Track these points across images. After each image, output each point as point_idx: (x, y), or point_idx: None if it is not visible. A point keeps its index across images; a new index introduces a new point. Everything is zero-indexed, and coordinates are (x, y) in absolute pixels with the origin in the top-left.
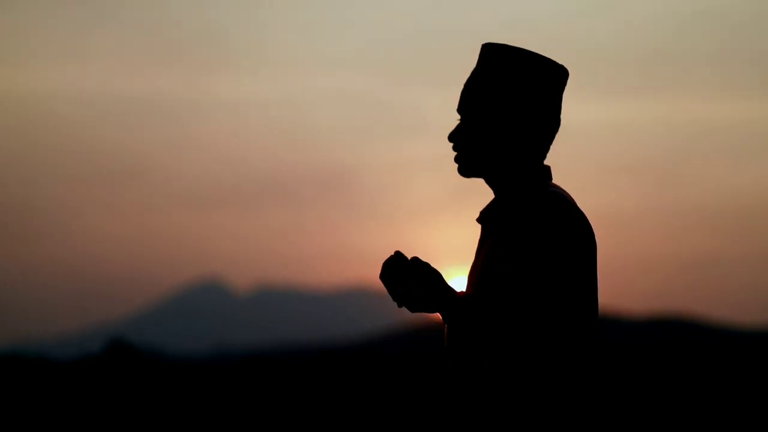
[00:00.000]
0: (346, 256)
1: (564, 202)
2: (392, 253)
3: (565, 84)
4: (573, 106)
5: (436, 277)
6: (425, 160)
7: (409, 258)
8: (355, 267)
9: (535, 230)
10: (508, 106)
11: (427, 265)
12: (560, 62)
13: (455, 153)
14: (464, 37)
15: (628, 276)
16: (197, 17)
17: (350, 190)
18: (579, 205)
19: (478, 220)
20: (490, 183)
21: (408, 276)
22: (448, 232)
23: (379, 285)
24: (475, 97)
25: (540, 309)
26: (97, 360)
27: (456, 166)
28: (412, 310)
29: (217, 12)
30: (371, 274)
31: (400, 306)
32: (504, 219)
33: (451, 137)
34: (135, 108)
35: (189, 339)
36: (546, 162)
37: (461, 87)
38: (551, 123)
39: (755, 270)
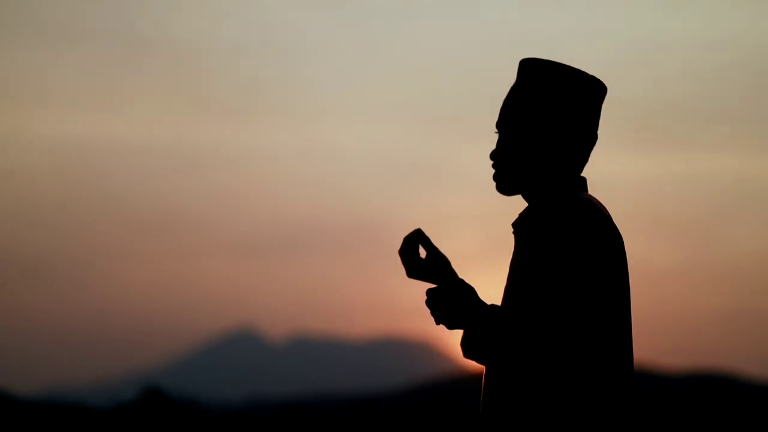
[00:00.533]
0: (381, 306)
1: (592, 209)
2: (414, 230)
3: (603, 98)
4: (609, 159)
5: (467, 294)
6: (459, 212)
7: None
8: (389, 318)
9: (564, 237)
10: (547, 122)
11: (459, 284)
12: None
13: (495, 170)
14: (499, 92)
15: (664, 332)
16: (231, 68)
17: (384, 241)
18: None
19: (514, 225)
20: (528, 199)
21: (443, 297)
22: (482, 283)
23: (413, 336)
24: (514, 112)
25: (570, 318)
26: (133, 408)
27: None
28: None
29: (250, 63)
30: (408, 325)
31: (435, 319)
32: (536, 227)
33: (492, 155)
34: (171, 159)
35: (223, 388)
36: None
37: (494, 141)
38: (589, 137)
39: None
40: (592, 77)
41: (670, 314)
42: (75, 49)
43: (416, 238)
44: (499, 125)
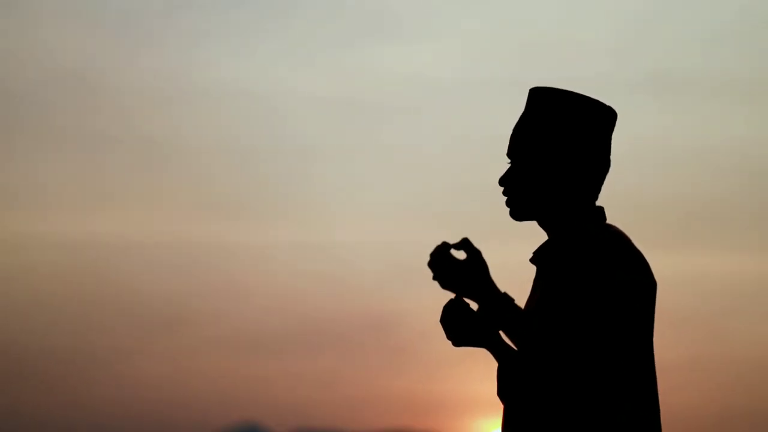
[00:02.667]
0: (387, 401)
1: (622, 241)
2: (439, 244)
3: (614, 125)
4: None
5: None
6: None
7: (455, 249)
8: (397, 413)
9: (592, 270)
10: (558, 149)
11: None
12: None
13: (506, 198)
14: (499, 190)
15: (669, 426)
16: (234, 167)
17: (392, 336)
18: None
19: (532, 260)
20: (542, 225)
21: (459, 317)
22: (493, 377)
23: (420, 431)
24: (524, 140)
25: (594, 352)
26: None
27: (508, 210)
28: (454, 289)
29: (253, 162)
30: (414, 420)
31: (444, 287)
32: (558, 259)
33: (502, 181)
34: (174, 254)
35: None
36: None
37: (505, 237)
38: (601, 164)
39: None
40: (602, 104)
41: (676, 412)
42: (78, 150)
43: (446, 248)
44: (510, 153)
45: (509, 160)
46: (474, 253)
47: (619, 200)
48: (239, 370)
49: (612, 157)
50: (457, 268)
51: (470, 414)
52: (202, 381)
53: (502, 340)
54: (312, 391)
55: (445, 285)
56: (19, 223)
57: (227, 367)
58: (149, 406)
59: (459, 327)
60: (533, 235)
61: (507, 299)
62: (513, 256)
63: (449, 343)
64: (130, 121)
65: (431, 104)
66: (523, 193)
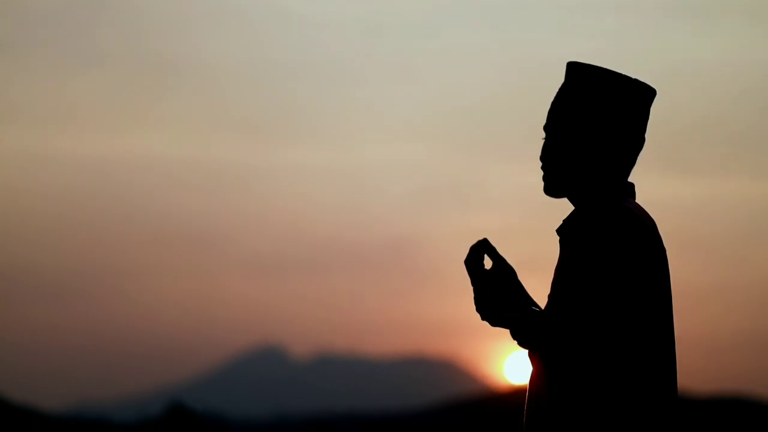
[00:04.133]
0: (407, 325)
1: (634, 218)
2: (481, 239)
3: (651, 102)
4: (640, 180)
5: (515, 293)
6: (487, 231)
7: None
8: (415, 336)
9: (604, 245)
10: (595, 126)
11: (512, 283)
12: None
13: (543, 172)
14: (528, 111)
15: (690, 355)
16: (257, 88)
17: (412, 259)
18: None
19: (558, 230)
20: (574, 202)
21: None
22: None
23: (438, 355)
24: (561, 116)
25: (609, 328)
26: (158, 423)
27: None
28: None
29: (276, 84)
30: (431, 344)
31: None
32: (580, 233)
33: (541, 156)
34: (198, 175)
35: (248, 404)
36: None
37: (525, 161)
38: (636, 142)
39: None
40: (640, 82)
41: (697, 336)
42: (100, 70)
43: (483, 247)
44: (547, 128)
45: (545, 135)
46: (502, 265)
47: (653, 126)
48: (260, 291)
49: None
50: (487, 276)
51: (487, 338)
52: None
53: (526, 306)
54: (331, 314)
55: (476, 284)
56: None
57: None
58: (170, 326)
59: (482, 268)
60: None
61: (534, 312)
62: (533, 176)
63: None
64: (149, 41)
65: (461, 27)
66: (557, 168)
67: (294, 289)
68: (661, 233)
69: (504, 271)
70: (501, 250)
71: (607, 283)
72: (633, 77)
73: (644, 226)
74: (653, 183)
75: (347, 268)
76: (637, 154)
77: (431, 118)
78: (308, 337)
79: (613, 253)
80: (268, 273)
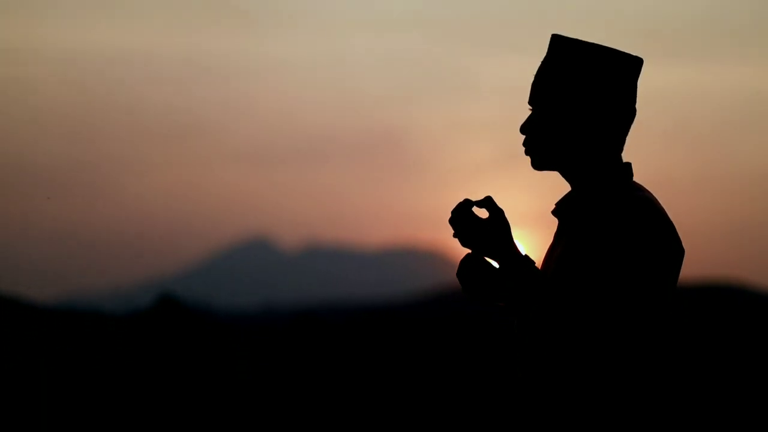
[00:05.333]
0: (395, 215)
1: (653, 207)
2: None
3: (638, 73)
4: None
5: (504, 226)
6: (477, 122)
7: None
8: (403, 227)
9: (625, 236)
10: (581, 98)
11: (499, 214)
12: (618, 38)
13: (525, 146)
14: (518, 1)
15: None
16: None
17: (400, 150)
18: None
19: (554, 212)
20: (565, 176)
21: (476, 220)
22: (500, 194)
23: (426, 245)
24: (546, 88)
25: (613, 316)
26: (148, 315)
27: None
28: (474, 249)
29: None
30: (420, 234)
31: (464, 245)
32: (586, 217)
33: (523, 129)
34: (186, 68)
35: (237, 295)
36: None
37: (514, 51)
38: (626, 114)
39: None
40: (627, 54)
41: (684, 225)
42: None
43: (468, 205)
44: (532, 101)
45: (530, 108)
46: (497, 213)
47: (629, 16)
48: (249, 183)
49: None
50: (479, 226)
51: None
52: (212, 194)
53: (519, 297)
54: (321, 205)
55: (465, 243)
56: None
57: (237, 180)
58: (160, 218)
59: (476, 282)
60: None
61: (528, 261)
62: (523, 66)
63: (457, 158)
64: None
65: None
66: (544, 141)
67: (283, 180)
68: (648, 122)
69: (499, 226)
70: (486, 139)
71: (629, 275)
72: (619, 50)
73: (665, 220)
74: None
75: (336, 160)
76: (629, 127)
77: (420, 7)
78: (297, 228)
79: (638, 246)
80: (257, 165)
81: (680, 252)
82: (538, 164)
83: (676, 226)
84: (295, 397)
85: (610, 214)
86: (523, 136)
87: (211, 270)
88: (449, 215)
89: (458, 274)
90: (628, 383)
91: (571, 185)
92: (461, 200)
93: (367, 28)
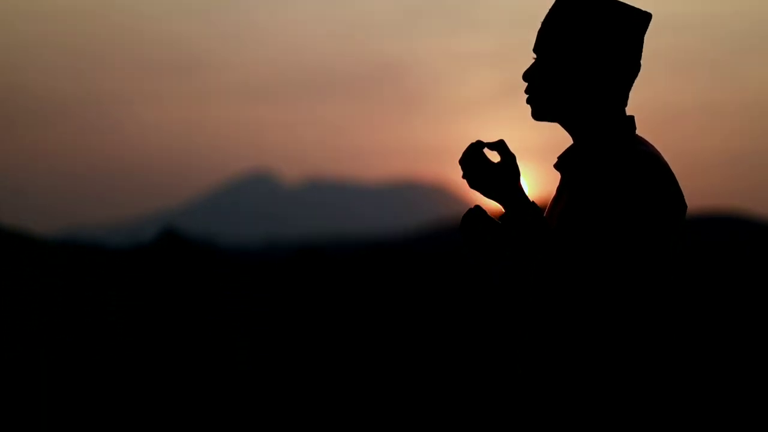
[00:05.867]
0: (396, 150)
1: (658, 163)
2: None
3: (645, 28)
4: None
5: (515, 171)
6: (477, 55)
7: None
8: (404, 161)
9: (627, 190)
10: (587, 49)
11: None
12: None
13: (528, 95)
14: None
15: (681, 171)
16: None
17: (401, 84)
18: (633, 98)
19: (556, 166)
20: (567, 128)
21: (487, 163)
22: (501, 128)
23: (428, 179)
24: (553, 37)
25: (617, 269)
26: (150, 248)
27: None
28: (482, 192)
29: None
30: (420, 168)
31: (472, 186)
32: (589, 170)
33: (526, 76)
34: (187, 0)
35: (240, 229)
36: None
37: None
38: (631, 68)
39: None
40: (634, 8)
41: (685, 153)
42: None
43: (480, 146)
44: (537, 49)
45: (534, 55)
46: (508, 157)
47: None
48: (251, 116)
49: None
50: (489, 169)
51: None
52: (214, 127)
53: (523, 246)
54: (323, 138)
55: (473, 185)
56: None
57: (238, 115)
58: (162, 151)
59: (478, 237)
60: None
61: (534, 208)
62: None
63: (458, 91)
64: None
65: None
66: (546, 90)
67: (284, 115)
68: (652, 51)
69: (509, 171)
70: (490, 71)
71: (631, 227)
72: (627, 3)
73: (668, 175)
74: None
75: (337, 93)
76: (632, 82)
77: None
78: (299, 162)
79: (640, 201)
80: (258, 99)
81: (683, 207)
82: (539, 114)
83: (683, 155)
84: (297, 332)
85: (613, 168)
86: (525, 83)
87: (214, 203)
88: (450, 149)
89: (461, 229)
90: (632, 339)
91: (573, 138)
92: (473, 141)
93: None
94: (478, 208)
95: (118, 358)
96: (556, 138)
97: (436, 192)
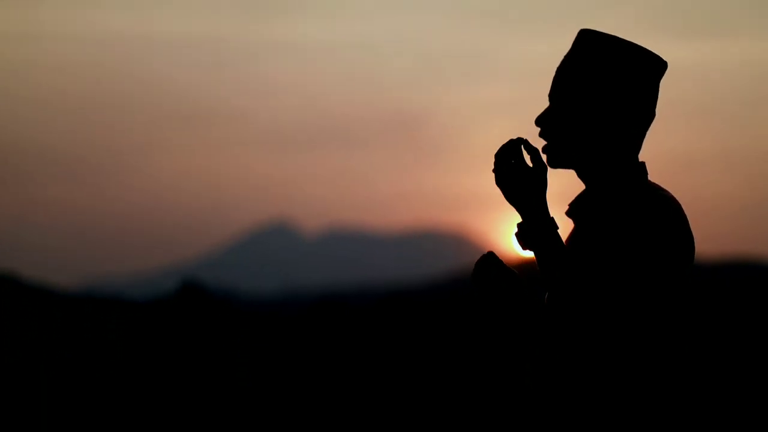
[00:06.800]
0: (416, 199)
1: (669, 204)
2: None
3: (661, 75)
4: (651, 45)
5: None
6: (496, 104)
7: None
8: (424, 210)
9: (637, 227)
10: (603, 96)
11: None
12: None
13: (542, 140)
14: None
15: (695, 218)
16: None
17: (421, 133)
18: (653, 148)
19: (568, 213)
20: (581, 175)
21: (521, 167)
22: None
23: (447, 228)
24: (568, 83)
25: (626, 312)
26: (171, 300)
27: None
28: (506, 192)
29: None
30: (440, 216)
31: (498, 184)
32: (600, 215)
33: (539, 121)
34: (210, 51)
35: (260, 280)
36: None
37: (534, 31)
38: (646, 116)
39: None
40: (652, 54)
41: (702, 199)
42: None
43: (519, 144)
44: (552, 96)
45: (549, 102)
46: (540, 166)
47: None
48: (269, 167)
49: None
50: (521, 170)
51: (496, 210)
52: (233, 179)
53: (541, 260)
54: (342, 188)
55: (499, 182)
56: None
57: (257, 164)
58: (182, 203)
59: (491, 283)
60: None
61: (553, 224)
62: (541, 46)
63: (479, 140)
64: None
65: None
66: (561, 138)
67: (304, 165)
68: (666, 99)
69: (541, 177)
70: (509, 121)
71: (639, 273)
72: (644, 48)
73: (682, 216)
74: (659, 47)
75: (356, 143)
76: (646, 129)
77: None
78: (318, 212)
79: (652, 240)
80: (278, 149)
81: (692, 249)
82: (555, 162)
83: (700, 201)
84: (317, 381)
85: (623, 207)
86: (539, 128)
87: (234, 255)
88: (469, 198)
89: (474, 275)
90: (642, 375)
91: (585, 184)
92: (515, 137)
93: (384, 10)
94: (491, 255)
95: (139, 410)
96: (572, 185)
97: (456, 241)
